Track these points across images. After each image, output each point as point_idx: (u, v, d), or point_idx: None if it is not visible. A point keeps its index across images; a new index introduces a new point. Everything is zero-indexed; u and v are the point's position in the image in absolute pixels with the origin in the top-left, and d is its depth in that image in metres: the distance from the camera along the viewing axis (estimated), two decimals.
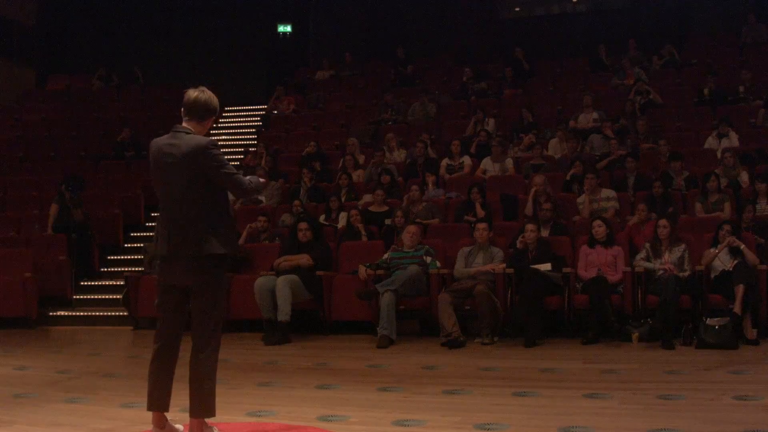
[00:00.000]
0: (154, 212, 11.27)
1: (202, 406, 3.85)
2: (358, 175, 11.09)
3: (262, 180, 4.20)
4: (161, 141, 3.96)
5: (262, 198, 10.70)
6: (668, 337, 6.89)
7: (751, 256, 7.41)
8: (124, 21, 17.45)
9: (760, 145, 10.42)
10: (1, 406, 5.04)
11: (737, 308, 6.98)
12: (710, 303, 7.33)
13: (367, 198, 10.14)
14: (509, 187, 10.07)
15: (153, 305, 4.15)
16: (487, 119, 12.26)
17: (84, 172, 12.37)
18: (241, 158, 12.68)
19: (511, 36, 15.70)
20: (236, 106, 16.19)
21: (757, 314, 7.20)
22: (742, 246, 7.45)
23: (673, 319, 7.04)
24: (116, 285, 9.97)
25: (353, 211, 9.25)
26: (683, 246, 7.61)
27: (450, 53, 15.92)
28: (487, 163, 10.75)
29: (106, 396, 5.33)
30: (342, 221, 9.52)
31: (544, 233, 8.41)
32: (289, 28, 17.54)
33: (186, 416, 3.95)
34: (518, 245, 8.05)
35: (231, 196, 11.38)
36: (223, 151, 4.04)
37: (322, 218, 9.71)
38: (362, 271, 8.13)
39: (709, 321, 6.86)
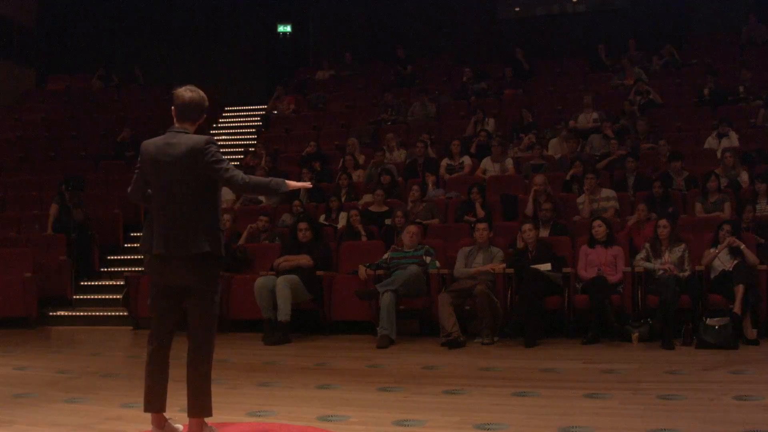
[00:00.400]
0: None
1: (200, 406, 3.85)
2: (358, 175, 11.09)
3: (291, 183, 4.02)
4: (158, 141, 3.95)
5: (262, 198, 10.71)
6: (668, 337, 6.89)
7: (751, 256, 7.41)
8: (124, 21, 17.46)
9: (760, 145, 10.42)
10: (1, 406, 5.04)
11: (737, 308, 6.98)
12: (710, 303, 7.33)
13: (367, 198, 10.14)
14: (509, 187, 10.07)
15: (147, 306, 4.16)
16: (487, 119, 12.26)
17: (84, 172, 12.37)
18: (241, 158, 12.68)
19: (511, 36, 15.70)
20: (236, 106, 16.21)
21: (757, 314, 7.20)
22: (742, 246, 7.45)
23: (673, 319, 7.04)
24: (116, 285, 9.98)
25: (353, 211, 9.25)
26: (683, 246, 7.61)
27: (450, 53, 15.93)
28: (487, 163, 10.75)
29: (106, 396, 5.33)
30: (342, 221, 9.52)
31: (544, 233, 8.41)
32: (289, 28, 17.55)
33: (186, 416, 3.95)
34: (518, 245, 8.05)
35: (232, 195, 11.38)
36: (223, 151, 4.04)
37: (322, 218, 9.71)
38: (362, 271, 8.13)
39: (709, 321, 6.85)
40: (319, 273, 8.20)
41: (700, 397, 4.97)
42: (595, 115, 11.90)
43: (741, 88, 12.05)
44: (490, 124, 12.19)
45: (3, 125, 14.96)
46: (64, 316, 9.78)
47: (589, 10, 16.49)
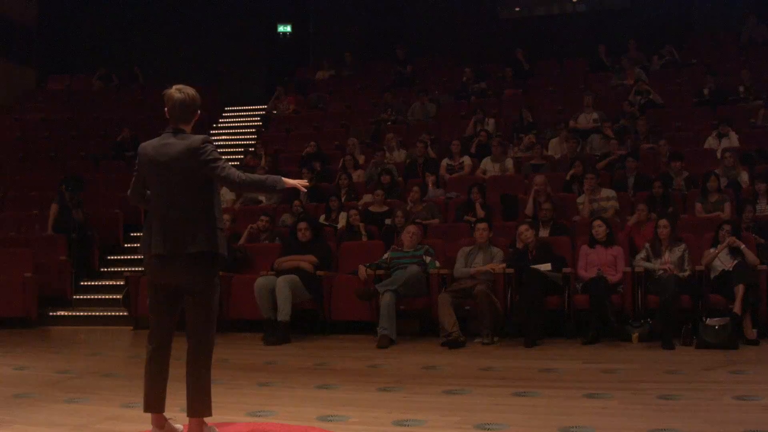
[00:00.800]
0: None
1: (199, 406, 3.85)
2: (358, 175, 11.09)
3: (288, 181, 4.01)
4: (155, 142, 3.95)
5: (262, 198, 10.71)
6: (668, 337, 6.89)
7: (751, 256, 7.42)
8: (124, 21, 17.46)
9: (760, 145, 10.42)
10: (1, 406, 5.04)
11: (737, 308, 6.98)
12: (710, 303, 7.32)
13: (367, 198, 10.14)
14: (509, 187, 10.07)
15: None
16: (487, 119, 12.26)
17: (84, 172, 12.37)
18: (241, 158, 12.68)
19: (511, 36, 15.71)
20: (236, 106, 16.21)
21: (757, 314, 7.21)
22: (742, 246, 7.45)
23: (673, 319, 7.03)
24: (116, 285, 9.98)
25: (353, 211, 9.25)
26: (683, 246, 7.61)
27: (450, 53, 15.93)
28: (487, 163, 10.75)
29: (106, 396, 5.33)
30: (342, 221, 9.52)
31: (544, 233, 8.41)
32: (289, 28, 17.54)
33: (186, 416, 3.94)
34: (518, 245, 8.05)
35: (232, 195, 11.37)
36: (223, 151, 4.04)
37: (322, 218, 9.71)
38: (362, 271, 8.13)
39: (709, 321, 6.86)
40: (319, 273, 8.20)
41: (700, 397, 4.97)
42: (595, 115, 11.90)
43: (741, 88, 12.05)
44: (490, 124, 12.19)
45: (3, 125, 14.96)
46: (64, 316, 9.77)
47: (589, 10, 16.50)
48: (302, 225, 8.46)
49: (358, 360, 6.77)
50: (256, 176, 4.11)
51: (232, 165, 4.02)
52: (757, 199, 8.80)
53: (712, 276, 7.49)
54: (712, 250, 7.60)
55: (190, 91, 3.97)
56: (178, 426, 4.04)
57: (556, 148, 11.26)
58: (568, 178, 9.87)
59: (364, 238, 8.95)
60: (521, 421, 4.40)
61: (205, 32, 17.16)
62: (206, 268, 3.89)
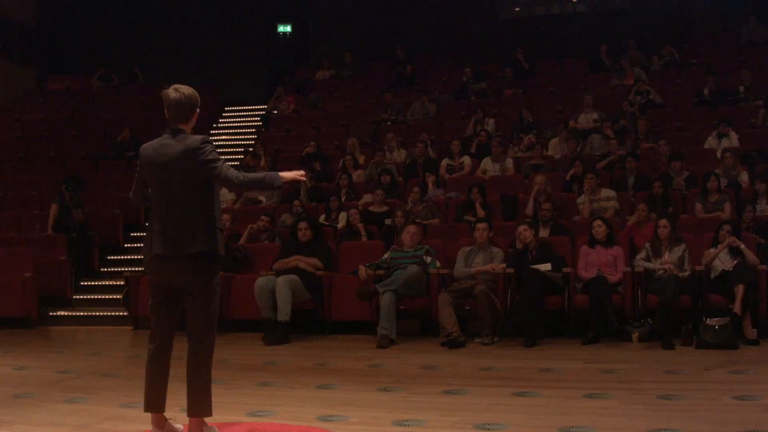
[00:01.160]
0: None
1: (199, 406, 3.85)
2: (358, 175, 11.09)
3: (285, 175, 3.98)
4: (155, 143, 3.96)
5: (262, 198, 10.71)
6: (668, 337, 6.89)
7: (751, 256, 7.42)
8: (124, 21, 17.46)
9: (760, 145, 10.42)
10: (1, 406, 5.04)
11: (737, 308, 6.99)
12: (710, 303, 7.33)
13: (367, 198, 10.14)
14: (509, 187, 10.07)
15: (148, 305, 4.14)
16: (487, 119, 12.27)
17: (84, 172, 12.37)
18: (241, 158, 12.68)
19: (511, 36, 15.71)
20: (236, 106, 16.22)
21: (757, 314, 7.21)
22: (742, 246, 7.45)
23: (673, 319, 7.04)
24: (116, 285, 9.98)
25: (353, 211, 9.25)
26: (683, 246, 7.61)
27: (450, 53, 15.93)
28: (487, 163, 10.75)
29: (106, 396, 5.33)
30: (342, 221, 9.52)
31: (544, 233, 8.41)
32: (289, 28, 17.54)
33: (186, 416, 3.95)
34: (518, 245, 8.05)
35: (232, 195, 11.36)
36: (223, 151, 4.04)
37: (322, 218, 9.71)
38: (362, 271, 8.13)
39: (709, 321, 6.86)
40: (319, 273, 8.20)
41: (700, 397, 4.97)
42: (595, 115, 11.90)
43: (741, 88, 12.05)
44: (490, 124, 12.19)
45: (3, 125, 14.96)
46: (64, 316, 9.78)
47: (589, 10, 16.50)
48: (302, 225, 8.46)
49: (358, 360, 6.77)
50: (254, 175, 4.11)
51: (231, 165, 4.02)
52: (757, 199, 8.80)
53: (712, 276, 7.49)
54: (712, 250, 7.60)
55: (186, 90, 3.96)
56: (178, 426, 4.04)
57: (556, 148, 11.26)
58: (568, 178, 9.87)
59: (364, 238, 8.95)
60: (521, 421, 4.40)
61: (205, 32, 17.16)
62: (206, 269, 3.89)
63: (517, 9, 16.99)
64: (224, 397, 4.90)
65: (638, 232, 8.36)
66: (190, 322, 3.91)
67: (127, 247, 11.34)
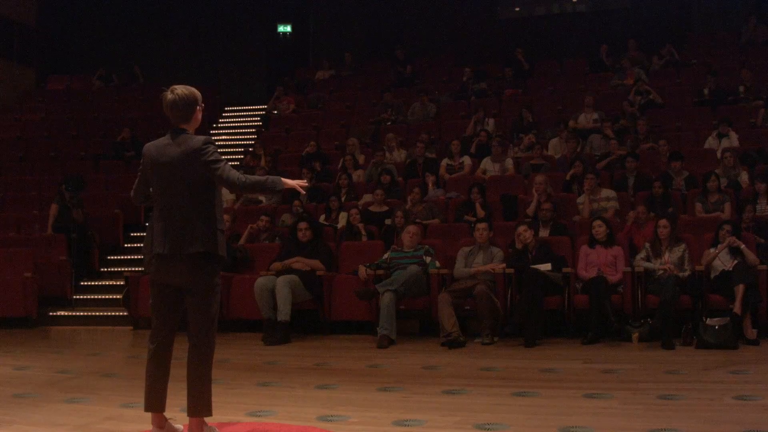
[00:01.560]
0: None
1: (200, 406, 3.86)
2: (358, 175, 11.09)
3: (287, 181, 3.94)
4: (158, 143, 3.97)
5: (262, 198, 10.71)
6: (668, 337, 6.89)
7: (751, 256, 7.42)
8: (124, 21, 17.47)
9: (760, 145, 10.42)
10: (1, 406, 5.04)
11: (737, 308, 6.98)
12: (710, 303, 7.33)
13: (367, 198, 10.14)
14: (509, 187, 10.07)
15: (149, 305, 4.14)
16: (487, 119, 12.26)
17: (84, 172, 12.36)
18: (241, 158, 12.68)
19: (511, 36, 15.72)
20: (236, 106, 16.22)
21: (757, 314, 7.20)
22: (742, 246, 7.45)
23: (673, 319, 7.04)
24: (116, 285, 9.99)
25: (353, 211, 9.25)
26: (683, 246, 7.61)
27: (450, 53, 15.94)
28: (487, 163, 10.75)
29: (106, 396, 5.33)
30: (342, 221, 9.52)
31: (544, 233, 8.41)
32: (289, 28, 17.56)
33: (186, 416, 3.95)
34: (517, 245, 8.05)
35: (232, 196, 11.36)
36: (223, 151, 4.04)
37: (322, 218, 9.71)
38: (362, 271, 8.13)
39: (709, 321, 6.86)
40: (319, 273, 8.20)
41: (700, 397, 4.97)
42: (595, 115, 11.90)
43: (741, 88, 12.05)
44: (490, 124, 12.19)
45: (3, 125, 14.97)
46: (64, 316, 9.77)
47: (589, 10, 16.51)
48: (302, 225, 8.46)
49: (358, 360, 6.77)
50: (255, 177, 4.11)
51: (231, 165, 4.02)
52: (757, 199, 8.79)
53: (712, 276, 7.49)
54: (712, 250, 7.60)
55: (181, 90, 3.95)
56: (178, 426, 4.04)
57: (556, 148, 11.26)
58: (568, 178, 9.87)
59: (364, 238, 8.95)
60: (521, 421, 4.40)
61: (205, 32, 17.17)
62: (206, 269, 3.89)
63: (517, 9, 17.00)
64: (224, 397, 4.90)
65: (638, 232, 8.36)
66: (190, 322, 3.91)
67: (127, 247, 11.35)
